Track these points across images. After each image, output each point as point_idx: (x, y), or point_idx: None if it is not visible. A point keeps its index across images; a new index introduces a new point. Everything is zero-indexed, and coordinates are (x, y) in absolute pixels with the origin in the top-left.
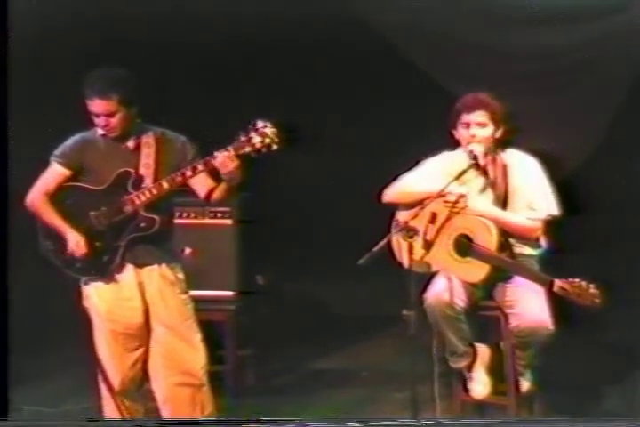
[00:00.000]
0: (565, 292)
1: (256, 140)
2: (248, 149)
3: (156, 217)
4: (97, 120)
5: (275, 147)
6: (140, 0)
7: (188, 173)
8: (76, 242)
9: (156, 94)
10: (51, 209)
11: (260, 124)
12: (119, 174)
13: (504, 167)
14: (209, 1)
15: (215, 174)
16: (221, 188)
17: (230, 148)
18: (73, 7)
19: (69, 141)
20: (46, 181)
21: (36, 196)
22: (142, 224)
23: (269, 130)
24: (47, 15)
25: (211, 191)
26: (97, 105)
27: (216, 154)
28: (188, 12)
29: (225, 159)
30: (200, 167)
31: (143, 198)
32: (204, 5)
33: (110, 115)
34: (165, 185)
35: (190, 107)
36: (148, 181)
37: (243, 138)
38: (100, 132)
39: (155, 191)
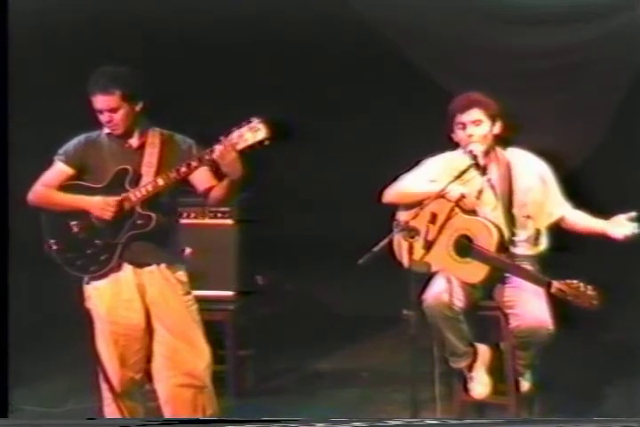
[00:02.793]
0: (563, 293)
1: (248, 135)
2: (241, 145)
3: (152, 214)
4: (101, 117)
5: (267, 142)
6: None
7: (183, 169)
8: (102, 204)
9: (157, 92)
10: (59, 194)
11: (253, 120)
12: (117, 172)
13: (507, 165)
14: (208, 0)
15: (216, 172)
16: (223, 184)
17: (225, 142)
18: (73, 6)
19: (74, 140)
20: (49, 179)
21: (39, 189)
22: (139, 222)
23: (262, 125)
24: (47, 14)
25: (210, 188)
26: (100, 101)
27: (213, 148)
28: (187, 11)
29: (223, 151)
30: (194, 164)
31: (139, 195)
32: (204, 4)
33: (113, 110)
34: (161, 182)
35: (190, 105)
36: (146, 180)
37: (236, 134)
38: (106, 131)
39: (150, 188)
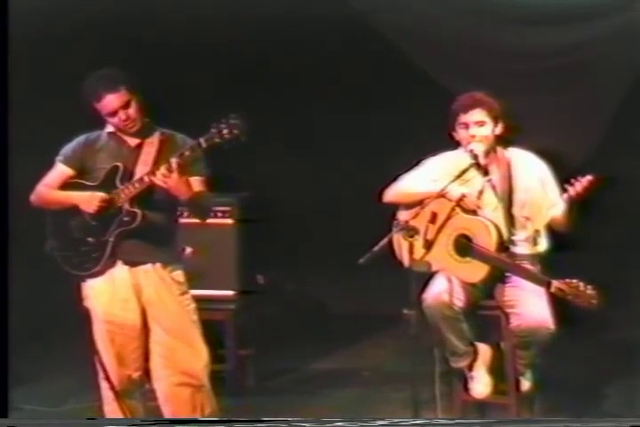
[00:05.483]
0: (563, 293)
1: (225, 131)
2: (217, 140)
3: (137, 211)
4: (115, 118)
5: (243, 138)
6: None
7: (173, 165)
8: (88, 198)
9: (156, 92)
10: (56, 192)
11: (231, 116)
12: (110, 170)
13: (508, 165)
14: (207, 1)
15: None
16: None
17: (202, 139)
18: (73, 6)
19: (73, 141)
20: (50, 180)
21: (40, 189)
22: (125, 218)
23: (239, 122)
24: (48, 15)
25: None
26: (110, 100)
27: (191, 144)
28: (186, 12)
29: (194, 147)
30: (175, 160)
31: (127, 192)
32: (204, 4)
33: (126, 106)
34: (146, 179)
35: (189, 105)
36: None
37: (214, 130)
38: (108, 130)
39: (137, 185)
